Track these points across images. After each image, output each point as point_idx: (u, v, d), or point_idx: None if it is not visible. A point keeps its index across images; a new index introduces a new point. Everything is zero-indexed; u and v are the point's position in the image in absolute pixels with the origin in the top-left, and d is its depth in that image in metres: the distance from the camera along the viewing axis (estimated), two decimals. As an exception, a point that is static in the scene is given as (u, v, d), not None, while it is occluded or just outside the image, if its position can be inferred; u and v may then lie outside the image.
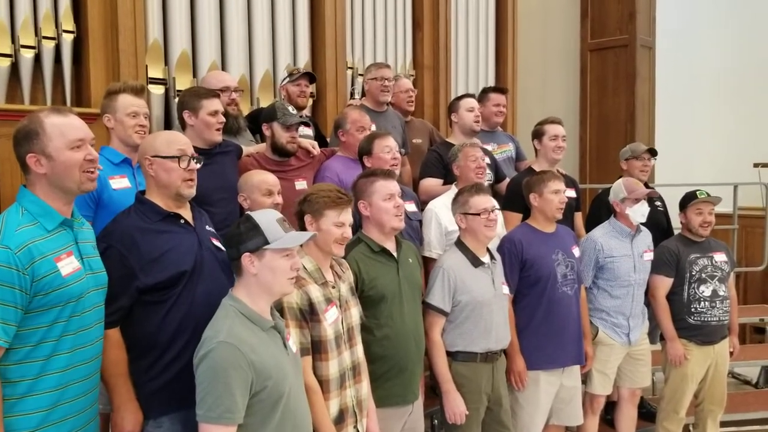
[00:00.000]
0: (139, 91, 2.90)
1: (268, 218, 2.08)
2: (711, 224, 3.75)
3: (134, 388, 2.23)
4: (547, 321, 3.26)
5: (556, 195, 3.30)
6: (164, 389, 2.22)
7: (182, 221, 2.32)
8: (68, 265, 1.94)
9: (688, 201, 3.77)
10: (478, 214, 3.01)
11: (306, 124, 3.54)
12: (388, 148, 3.25)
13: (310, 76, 4.23)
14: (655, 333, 3.98)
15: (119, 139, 2.82)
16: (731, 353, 3.91)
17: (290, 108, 3.37)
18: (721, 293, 3.73)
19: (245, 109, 4.33)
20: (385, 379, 2.67)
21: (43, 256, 1.88)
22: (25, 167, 1.97)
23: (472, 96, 4.33)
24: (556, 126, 3.89)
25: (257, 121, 3.62)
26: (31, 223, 1.92)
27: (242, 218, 2.12)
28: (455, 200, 3.13)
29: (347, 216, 2.44)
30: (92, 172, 2.01)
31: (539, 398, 3.25)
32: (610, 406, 4.08)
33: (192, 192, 2.35)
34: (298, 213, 2.46)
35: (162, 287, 2.21)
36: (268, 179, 2.92)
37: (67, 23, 3.78)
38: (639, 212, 3.57)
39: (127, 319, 2.23)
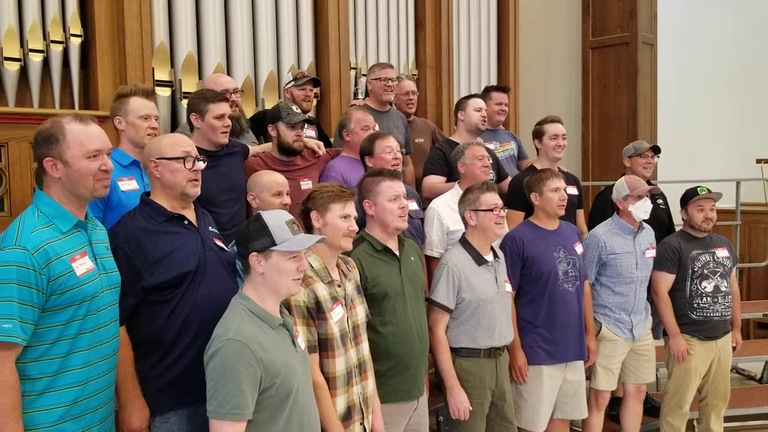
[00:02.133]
0: (150, 94, 2.95)
1: (277, 219, 2.11)
2: (713, 220, 3.78)
3: (140, 386, 2.27)
4: (549, 317, 3.30)
5: (555, 193, 3.33)
6: (170, 386, 2.27)
7: (186, 222, 2.37)
8: (82, 266, 2.00)
9: (688, 198, 3.80)
10: (490, 210, 3.05)
11: (310, 122, 3.57)
12: (389, 149, 3.27)
13: (315, 81, 4.25)
14: (658, 329, 4.00)
15: (129, 141, 2.86)
16: (734, 348, 3.94)
17: (294, 107, 3.40)
18: (723, 289, 3.75)
19: (250, 110, 4.37)
20: (390, 376, 2.71)
21: (58, 257, 1.94)
22: (42, 169, 2.03)
23: (479, 96, 4.37)
24: (555, 125, 3.92)
25: (262, 123, 3.65)
26: (46, 224, 1.98)
27: (252, 217, 2.16)
28: (464, 198, 3.16)
29: (351, 209, 2.49)
30: (105, 180, 2.06)
31: (542, 392, 3.29)
32: (615, 402, 4.11)
33: (197, 191, 2.40)
34: (303, 212, 2.50)
35: (166, 287, 2.26)
36: (278, 179, 2.95)
37: (75, 27, 3.83)
38: (642, 209, 3.60)
39: (133, 318, 2.28)
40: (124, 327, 2.26)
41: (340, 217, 2.45)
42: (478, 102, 4.19)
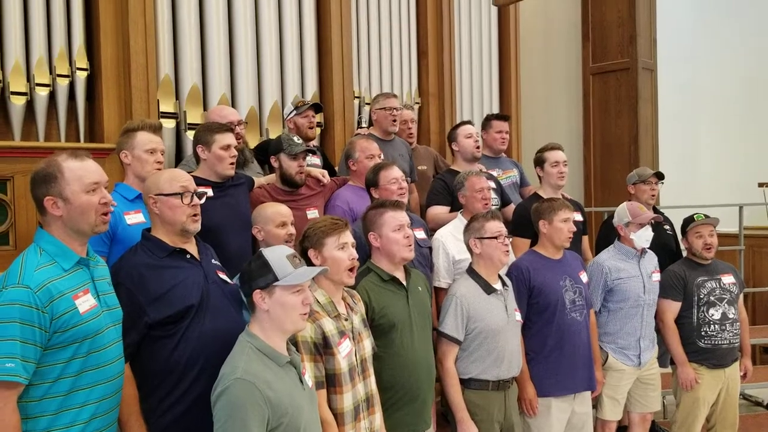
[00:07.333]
0: (157, 129, 2.98)
1: (277, 255, 2.11)
2: (714, 246, 3.75)
3: (145, 425, 2.25)
4: (558, 347, 3.27)
5: (565, 224, 3.32)
6: (175, 423, 2.25)
7: (188, 256, 2.37)
8: (85, 303, 1.99)
9: (687, 225, 3.79)
10: (495, 238, 3.05)
11: (312, 152, 3.58)
12: (394, 180, 3.27)
13: (316, 107, 4.28)
14: (665, 357, 3.97)
15: (135, 175, 2.87)
16: (744, 376, 3.89)
17: (295, 138, 3.42)
18: (731, 316, 3.72)
19: (255, 140, 4.39)
20: (397, 408, 2.69)
21: (61, 295, 1.94)
22: (42, 209, 2.04)
23: (469, 123, 4.38)
24: (556, 152, 3.92)
25: (266, 151, 3.66)
26: (49, 263, 1.98)
27: (254, 255, 2.17)
28: (468, 226, 3.16)
29: (347, 237, 2.48)
30: (105, 215, 2.08)
31: (551, 425, 3.25)
32: (622, 431, 4.07)
33: (197, 227, 2.39)
34: (301, 251, 2.48)
35: (170, 322, 2.25)
36: (282, 211, 2.95)
37: (81, 61, 3.86)
38: (643, 237, 3.59)
39: (136, 355, 2.26)
40: (128, 364, 2.24)
41: (337, 249, 2.44)
42: (467, 129, 4.21)
